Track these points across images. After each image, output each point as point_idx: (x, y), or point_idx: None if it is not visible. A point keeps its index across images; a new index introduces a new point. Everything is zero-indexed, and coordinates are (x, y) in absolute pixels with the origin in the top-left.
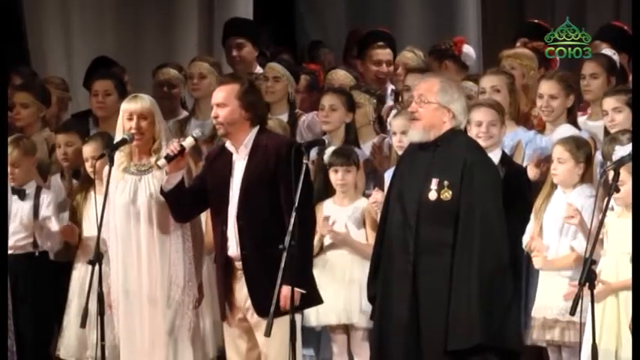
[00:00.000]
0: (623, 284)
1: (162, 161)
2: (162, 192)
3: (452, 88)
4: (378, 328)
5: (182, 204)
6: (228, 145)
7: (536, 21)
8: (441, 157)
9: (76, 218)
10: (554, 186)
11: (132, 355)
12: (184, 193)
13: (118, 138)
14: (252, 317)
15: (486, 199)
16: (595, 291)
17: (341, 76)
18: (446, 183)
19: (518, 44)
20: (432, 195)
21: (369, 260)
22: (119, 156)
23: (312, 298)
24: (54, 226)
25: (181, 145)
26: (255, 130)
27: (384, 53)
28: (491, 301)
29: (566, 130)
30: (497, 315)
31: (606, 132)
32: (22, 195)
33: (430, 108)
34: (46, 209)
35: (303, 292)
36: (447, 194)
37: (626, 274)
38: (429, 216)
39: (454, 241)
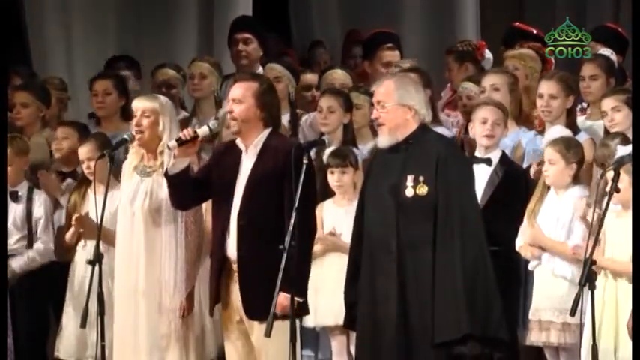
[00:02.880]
0: (619, 266)
1: (172, 143)
2: (166, 175)
3: (408, 85)
4: (365, 328)
5: (183, 191)
6: (239, 142)
7: (517, 24)
8: (414, 155)
9: (71, 219)
10: (547, 188)
11: (122, 355)
12: (188, 181)
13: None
14: (249, 320)
15: (462, 191)
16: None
17: (340, 75)
18: (421, 179)
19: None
20: (409, 192)
21: None
22: (131, 152)
23: (302, 307)
24: (41, 229)
25: (195, 132)
26: (267, 131)
27: (393, 55)
28: (475, 290)
29: (557, 130)
30: (482, 304)
31: (606, 132)
32: (14, 197)
33: (391, 109)
34: (37, 210)
35: (301, 300)
36: (422, 189)
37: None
38: (407, 213)
39: (434, 235)
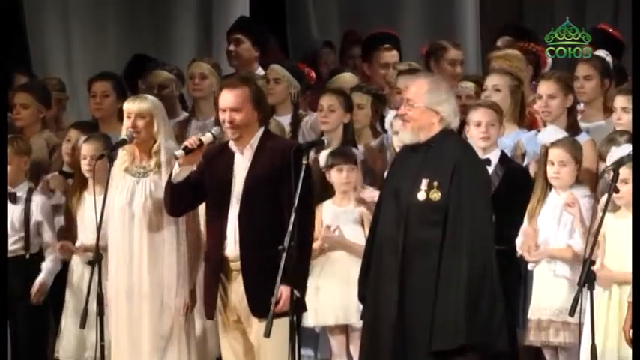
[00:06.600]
0: (625, 276)
1: (179, 152)
2: (169, 184)
3: (440, 90)
4: (367, 327)
5: (182, 198)
6: (232, 145)
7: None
8: (432, 158)
9: (70, 221)
10: (547, 188)
11: (123, 356)
12: (188, 188)
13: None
14: (248, 319)
15: (475, 200)
16: (598, 275)
17: (348, 78)
18: (435, 184)
19: (499, 43)
20: (421, 195)
21: None
22: (122, 154)
23: (300, 304)
24: (46, 231)
25: (200, 140)
26: (261, 131)
27: (390, 56)
28: (477, 302)
29: (552, 131)
30: (483, 316)
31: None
32: (13, 198)
33: (418, 110)
34: (37, 213)
35: (299, 295)
36: (435, 195)
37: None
38: (417, 216)
39: (442, 241)
